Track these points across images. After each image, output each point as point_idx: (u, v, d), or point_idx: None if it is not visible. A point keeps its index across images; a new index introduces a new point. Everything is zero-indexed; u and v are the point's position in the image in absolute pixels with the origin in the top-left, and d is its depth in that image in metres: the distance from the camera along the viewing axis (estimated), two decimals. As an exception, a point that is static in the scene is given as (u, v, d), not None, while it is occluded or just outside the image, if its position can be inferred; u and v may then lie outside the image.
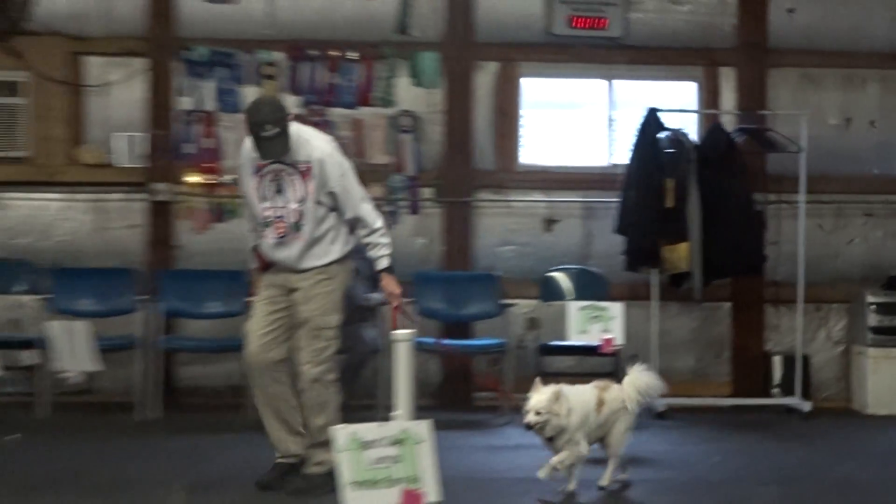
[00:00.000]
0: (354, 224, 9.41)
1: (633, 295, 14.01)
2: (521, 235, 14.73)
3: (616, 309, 11.81)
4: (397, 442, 5.63)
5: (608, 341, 11.60)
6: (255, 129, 9.03)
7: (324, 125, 13.90)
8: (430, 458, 5.58)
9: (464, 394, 13.73)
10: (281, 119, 9.07)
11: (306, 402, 9.35)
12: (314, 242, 9.31)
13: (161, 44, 14.25)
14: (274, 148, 9.05)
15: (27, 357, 13.59)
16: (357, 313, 12.90)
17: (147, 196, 14.26)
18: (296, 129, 9.28)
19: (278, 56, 14.34)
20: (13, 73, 14.09)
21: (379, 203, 13.80)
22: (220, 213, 14.16)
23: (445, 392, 13.90)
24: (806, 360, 14.36)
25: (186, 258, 14.16)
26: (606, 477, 9.65)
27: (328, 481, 8.96)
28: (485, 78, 14.62)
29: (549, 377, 13.16)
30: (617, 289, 14.03)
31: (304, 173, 9.17)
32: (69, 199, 14.41)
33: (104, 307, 13.77)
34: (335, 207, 9.34)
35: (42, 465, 10.58)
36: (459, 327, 14.21)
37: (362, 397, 12.74)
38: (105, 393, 14.12)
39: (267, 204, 9.27)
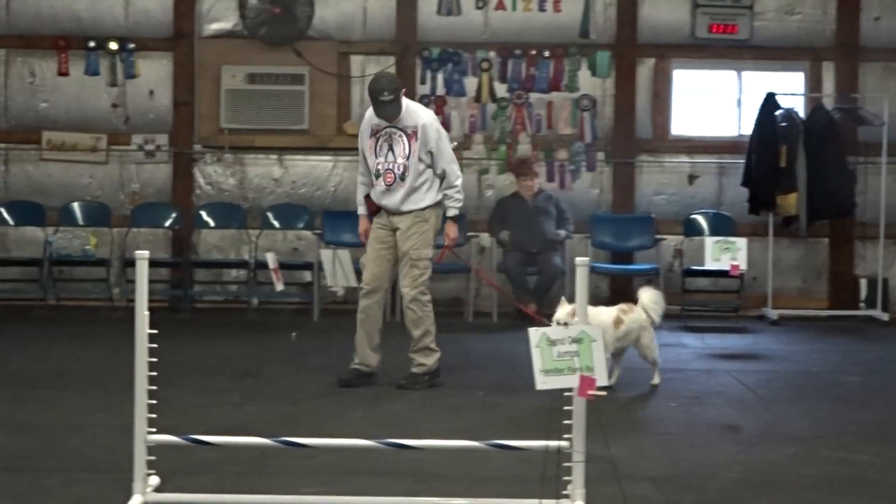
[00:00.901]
0: (441, 178, 9.40)
1: (754, 232, 13.98)
2: (671, 187, 14.70)
3: (741, 242, 11.53)
4: (576, 340, 5.54)
5: (735, 267, 11.44)
6: (375, 94, 9.15)
7: (525, 105, 14.38)
8: (601, 354, 5.58)
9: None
10: (395, 89, 9.16)
11: (407, 317, 9.42)
12: (413, 191, 9.32)
13: (406, 46, 14.38)
14: (388, 110, 9.17)
15: (305, 276, 14.20)
16: (548, 245, 13.26)
17: (393, 158, 14.58)
18: (406, 101, 9.34)
19: (492, 54, 14.39)
20: (298, 68, 14.21)
21: (564, 163, 14.34)
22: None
23: (612, 304, 13.34)
24: (885, 281, 14.27)
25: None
26: (655, 377, 9.71)
27: (425, 379, 9.46)
28: (645, 70, 14.60)
29: (690, 293, 13.83)
30: (742, 227, 13.98)
31: (411, 136, 9.23)
32: (336, 160, 14.53)
33: (358, 240, 14.20)
34: (431, 165, 9.34)
35: (315, 354, 11.15)
36: (623, 256, 14.39)
37: (551, 307, 13.10)
38: (362, 302, 14.79)
39: (381, 159, 9.30)
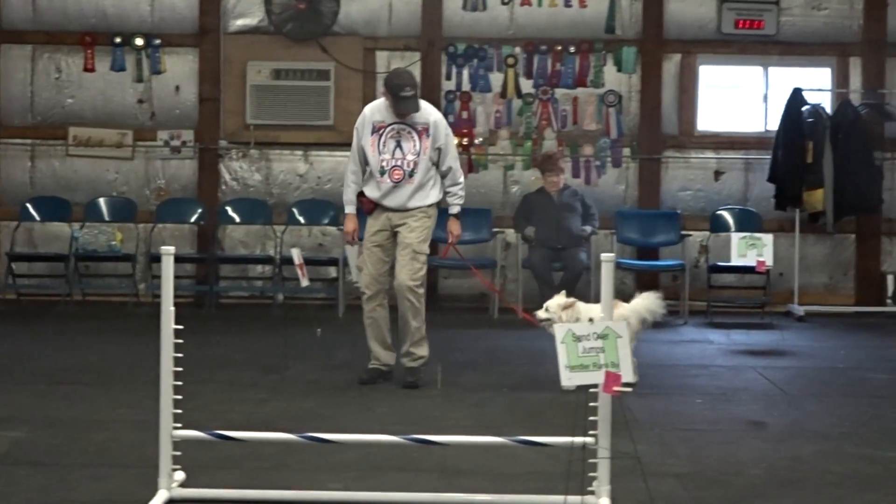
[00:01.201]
0: (445, 174, 9.40)
1: (780, 228, 14.09)
2: (697, 183, 14.68)
3: (768, 238, 11.53)
4: (602, 336, 5.54)
5: (761, 263, 11.42)
6: (397, 90, 9.10)
7: (550, 101, 14.44)
8: (626, 350, 5.56)
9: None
10: (414, 85, 9.22)
11: (406, 308, 9.32)
12: (421, 187, 9.28)
13: (431, 41, 14.42)
14: (410, 105, 9.16)
15: (330, 271, 14.32)
16: (573, 240, 13.15)
17: (420, 153, 14.57)
18: None
19: (517, 50, 14.47)
20: (324, 64, 14.29)
21: (589, 159, 14.41)
22: (474, 166, 14.38)
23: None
24: (913, 278, 14.27)
25: (449, 199, 14.14)
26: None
27: (423, 368, 9.46)
28: (670, 66, 14.61)
29: (716, 289, 13.81)
30: (768, 223, 14.04)
31: (421, 132, 9.22)
32: (361, 155, 14.85)
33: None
34: (436, 162, 9.34)
35: (340, 350, 11.00)
36: (649, 252, 14.40)
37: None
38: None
39: (386, 156, 9.21)
